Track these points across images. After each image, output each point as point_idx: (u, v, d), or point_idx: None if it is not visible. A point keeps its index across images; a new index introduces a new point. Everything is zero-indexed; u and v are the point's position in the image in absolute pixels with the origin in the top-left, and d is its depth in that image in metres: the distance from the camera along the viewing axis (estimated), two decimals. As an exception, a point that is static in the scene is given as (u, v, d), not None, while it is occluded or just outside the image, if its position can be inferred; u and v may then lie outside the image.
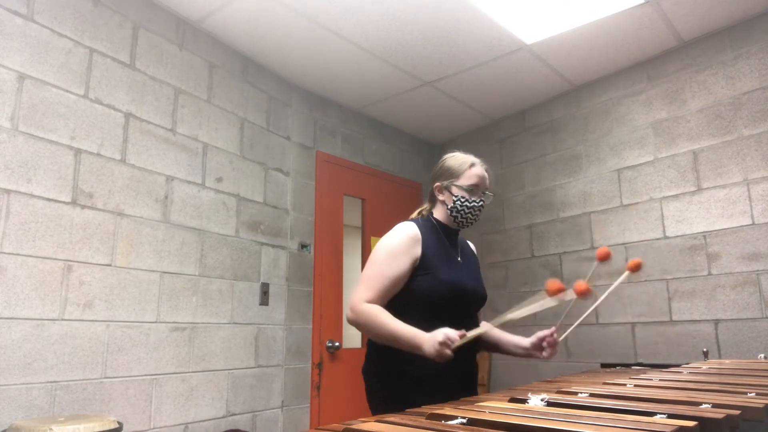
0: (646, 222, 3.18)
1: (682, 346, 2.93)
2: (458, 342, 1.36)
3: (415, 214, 1.80)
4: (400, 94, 3.70)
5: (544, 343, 1.60)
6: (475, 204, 1.69)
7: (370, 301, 1.52)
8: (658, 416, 0.75)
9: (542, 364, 3.57)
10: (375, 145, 4.05)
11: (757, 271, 2.72)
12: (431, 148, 4.56)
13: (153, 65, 2.67)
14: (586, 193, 3.50)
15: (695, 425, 0.68)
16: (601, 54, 3.22)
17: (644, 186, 3.22)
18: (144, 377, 2.44)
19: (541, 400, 0.94)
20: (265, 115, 3.26)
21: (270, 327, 3.09)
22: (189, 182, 2.76)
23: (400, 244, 1.58)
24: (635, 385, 1.17)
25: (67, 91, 2.32)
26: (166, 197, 2.65)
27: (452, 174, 1.71)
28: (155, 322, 2.52)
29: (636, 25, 2.93)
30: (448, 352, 1.34)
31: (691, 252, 2.97)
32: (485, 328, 1.52)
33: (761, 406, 0.85)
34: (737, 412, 0.78)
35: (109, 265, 2.37)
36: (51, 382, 2.12)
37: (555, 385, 1.48)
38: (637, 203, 3.24)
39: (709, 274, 2.88)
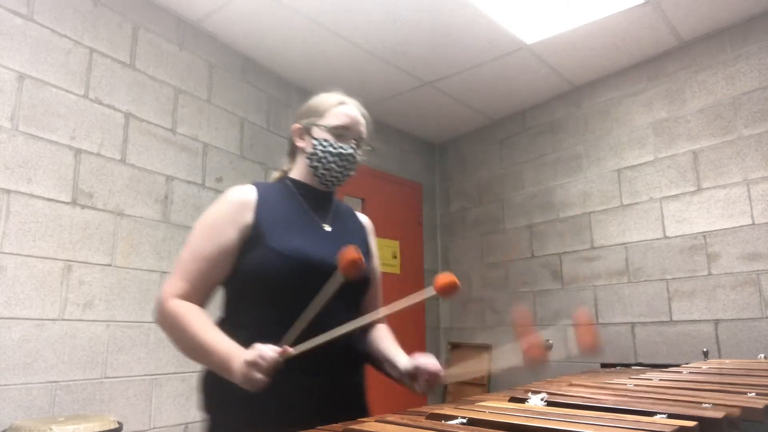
0: (646, 222, 3.18)
1: (682, 346, 2.93)
2: (274, 361, 0.96)
3: (271, 179, 1.38)
4: (400, 94, 3.70)
5: (423, 379, 1.15)
6: (342, 150, 1.25)
7: (184, 295, 1.11)
8: (658, 416, 0.75)
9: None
10: (375, 145, 4.04)
11: (757, 271, 2.72)
12: (431, 148, 4.56)
13: (153, 65, 2.67)
14: (586, 193, 3.50)
15: (695, 425, 0.68)
16: (601, 54, 3.23)
17: (644, 186, 3.22)
18: (144, 377, 2.43)
19: (541, 400, 0.94)
20: (265, 115, 3.26)
21: (270, 327, 3.09)
22: (189, 182, 2.76)
23: (221, 213, 1.17)
24: (635, 385, 1.17)
25: (67, 91, 2.32)
26: (166, 197, 2.65)
27: (315, 112, 1.29)
28: (155, 322, 2.51)
29: (636, 25, 2.93)
30: (259, 376, 0.95)
31: (691, 252, 2.97)
32: (326, 337, 1.02)
33: (761, 406, 0.85)
34: (737, 412, 0.78)
35: (109, 265, 2.37)
36: (51, 382, 2.12)
37: (555, 385, 1.48)
38: (637, 203, 3.24)
39: (709, 274, 2.88)
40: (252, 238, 1.16)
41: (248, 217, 1.17)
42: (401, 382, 1.21)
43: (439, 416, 0.81)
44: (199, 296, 1.13)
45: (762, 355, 2.23)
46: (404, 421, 0.81)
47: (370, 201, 3.92)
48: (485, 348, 3.88)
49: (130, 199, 2.49)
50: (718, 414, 0.75)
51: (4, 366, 2.00)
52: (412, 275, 4.11)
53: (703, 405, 0.84)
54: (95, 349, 2.28)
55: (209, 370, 1.16)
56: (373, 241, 1.41)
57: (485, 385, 3.79)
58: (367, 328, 1.35)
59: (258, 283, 1.13)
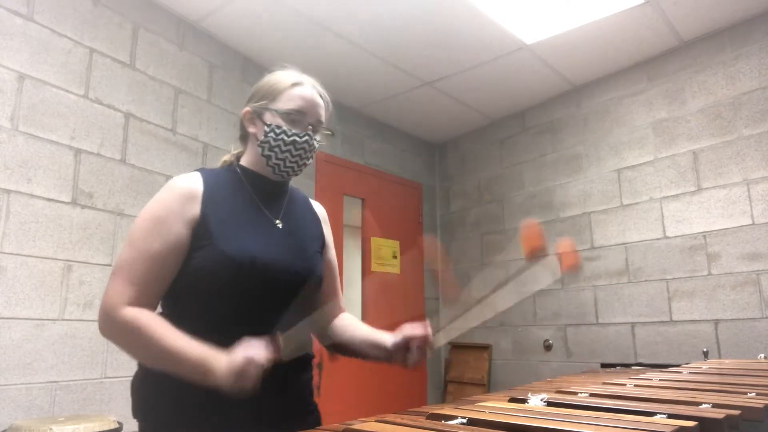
0: (646, 222, 3.18)
1: (682, 346, 2.93)
2: (268, 358, 0.90)
3: (220, 163, 1.27)
4: (400, 94, 3.70)
5: (415, 347, 1.11)
6: (296, 138, 1.12)
7: (135, 301, 0.99)
8: (658, 416, 0.75)
9: (542, 364, 3.57)
10: (375, 145, 4.05)
11: (757, 271, 2.72)
12: (431, 148, 4.56)
13: (153, 65, 2.67)
14: (586, 193, 3.50)
15: (695, 425, 0.68)
16: (601, 54, 3.22)
17: (644, 186, 3.22)
18: (144, 377, 2.43)
19: (541, 400, 0.94)
20: (265, 115, 3.26)
21: (270, 327, 3.08)
22: (189, 182, 2.76)
23: (166, 205, 1.06)
24: (635, 385, 1.17)
25: (67, 91, 2.32)
26: (166, 197, 2.65)
27: (267, 95, 1.16)
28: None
29: (636, 25, 2.93)
30: (249, 384, 0.89)
31: (691, 252, 2.97)
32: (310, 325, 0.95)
33: (761, 406, 0.86)
34: (737, 412, 0.78)
35: (109, 265, 2.37)
36: (51, 382, 2.12)
37: (555, 385, 1.48)
38: (637, 203, 3.24)
39: (709, 274, 2.88)
40: (198, 235, 1.05)
41: (195, 209, 1.06)
42: (390, 360, 1.15)
43: (439, 416, 0.81)
44: (149, 300, 1.02)
45: (762, 355, 2.23)
46: (404, 421, 0.81)
47: (370, 201, 3.92)
48: (485, 348, 3.88)
49: (130, 199, 2.49)
50: (718, 414, 0.75)
51: (4, 366, 2.00)
52: (412, 275, 4.11)
53: (703, 405, 0.84)
54: (95, 349, 2.28)
55: (142, 372, 1.08)
56: (328, 231, 1.31)
57: (485, 385, 3.79)
58: (327, 321, 1.28)
59: (200, 286, 1.03)
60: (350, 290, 3.80)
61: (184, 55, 2.84)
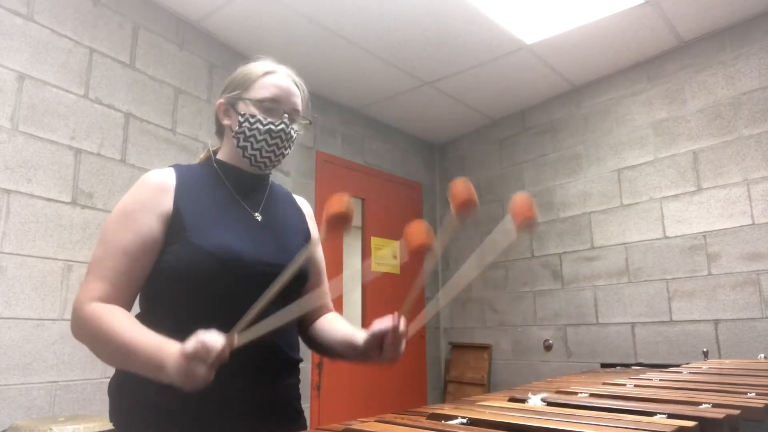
0: (646, 222, 3.18)
1: (682, 346, 2.93)
2: (220, 351, 0.78)
3: (197, 160, 1.24)
4: (400, 94, 3.70)
5: (387, 342, 1.00)
6: (272, 126, 1.09)
7: (105, 297, 0.93)
8: (658, 416, 0.75)
9: (542, 364, 3.57)
10: (375, 145, 4.05)
11: (757, 271, 2.72)
12: (431, 148, 4.56)
13: (153, 65, 2.67)
14: (586, 193, 3.50)
15: (695, 425, 0.68)
16: (601, 54, 3.22)
17: (644, 186, 3.22)
18: (144, 377, 2.43)
19: (541, 400, 0.94)
20: (265, 115, 3.26)
21: (270, 327, 3.08)
22: (189, 182, 2.76)
23: (135, 199, 1.01)
24: (635, 385, 1.17)
25: (67, 91, 2.32)
26: (166, 197, 2.65)
27: (240, 84, 1.17)
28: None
29: (636, 25, 2.93)
30: (201, 371, 0.78)
31: (691, 252, 2.97)
32: (274, 323, 0.87)
33: (761, 406, 0.86)
34: (737, 412, 0.78)
35: (109, 265, 2.37)
36: (51, 382, 2.12)
37: (555, 385, 1.48)
38: (637, 203, 3.24)
39: (709, 274, 2.88)
40: (172, 230, 1.00)
41: (167, 202, 1.01)
42: (366, 359, 1.05)
43: (439, 416, 0.81)
44: (122, 298, 0.96)
45: (762, 355, 2.23)
46: (404, 421, 0.81)
47: (369, 201, 3.92)
48: (485, 348, 3.88)
49: (130, 199, 2.49)
50: (718, 414, 0.75)
51: (4, 366, 2.00)
52: (412, 275, 4.11)
53: (703, 405, 0.84)
54: (95, 349, 2.28)
55: (119, 376, 1.02)
56: (313, 227, 1.26)
57: (485, 385, 3.79)
58: (309, 321, 1.22)
59: (176, 284, 0.97)
60: (350, 290, 3.80)
61: (184, 55, 2.84)
